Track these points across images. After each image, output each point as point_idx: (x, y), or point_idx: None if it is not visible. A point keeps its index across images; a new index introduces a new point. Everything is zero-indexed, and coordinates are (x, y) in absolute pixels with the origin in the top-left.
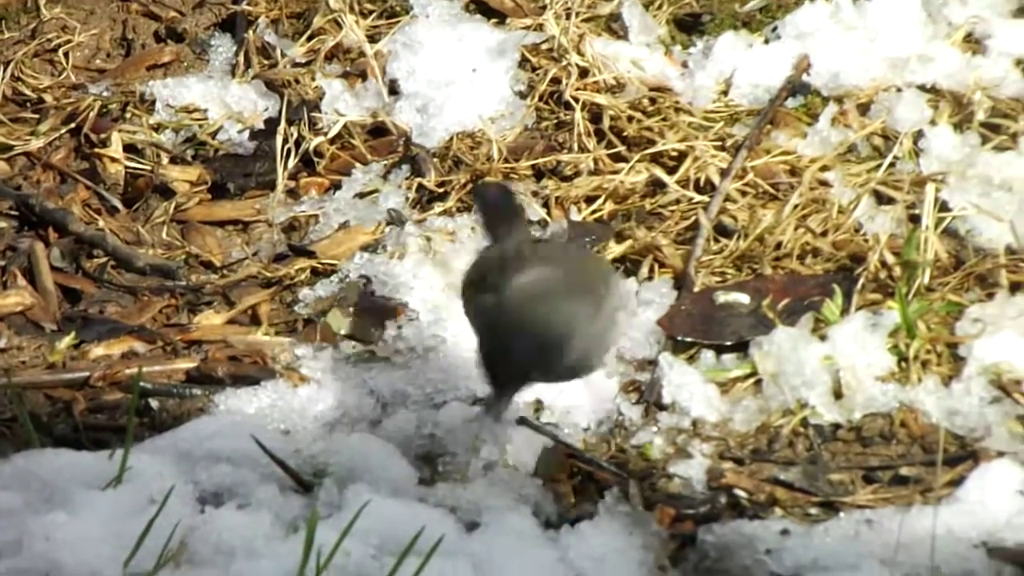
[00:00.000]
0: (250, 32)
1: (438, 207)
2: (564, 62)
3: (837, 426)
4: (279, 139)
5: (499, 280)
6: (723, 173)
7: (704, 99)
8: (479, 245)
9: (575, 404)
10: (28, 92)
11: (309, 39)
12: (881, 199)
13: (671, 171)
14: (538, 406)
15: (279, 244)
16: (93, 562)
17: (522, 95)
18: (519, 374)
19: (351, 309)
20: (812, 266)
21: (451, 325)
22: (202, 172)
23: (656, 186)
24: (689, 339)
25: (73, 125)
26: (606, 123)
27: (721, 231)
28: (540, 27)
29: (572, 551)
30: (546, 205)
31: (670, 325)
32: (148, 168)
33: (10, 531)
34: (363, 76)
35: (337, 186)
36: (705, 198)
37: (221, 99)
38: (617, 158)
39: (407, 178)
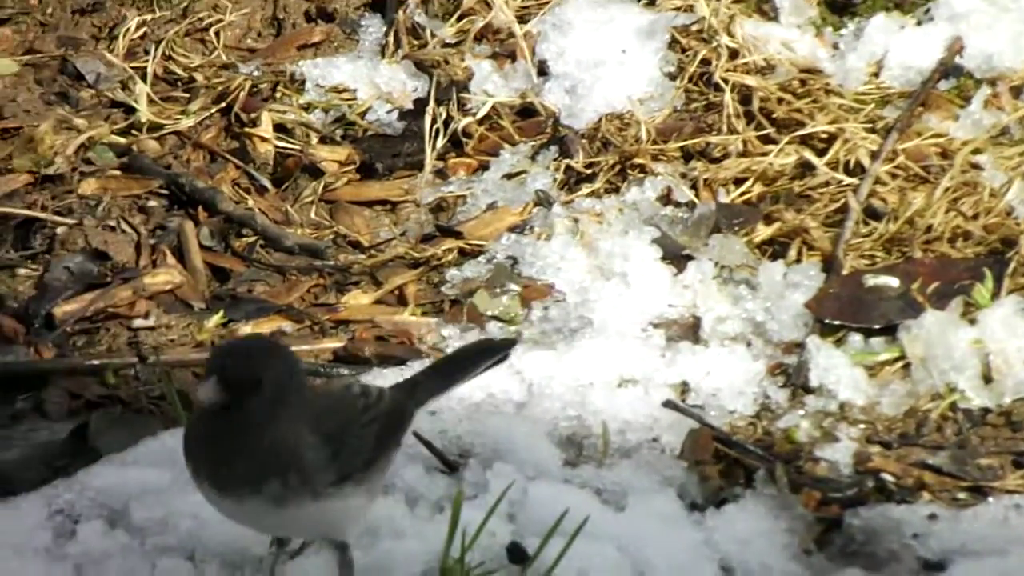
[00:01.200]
0: (400, 12)
1: (586, 188)
2: (714, 43)
3: (986, 410)
4: (428, 119)
5: None
6: (873, 155)
7: (855, 81)
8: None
9: (721, 386)
10: (179, 71)
11: (459, 19)
12: None
13: (820, 153)
14: (684, 388)
15: (427, 224)
16: (238, 540)
17: (671, 76)
18: None
19: (498, 290)
20: (963, 249)
21: (598, 307)
22: (351, 152)
23: (805, 168)
24: (837, 322)
25: (223, 105)
26: (755, 105)
27: (871, 214)
28: (690, 8)
29: (717, 533)
30: (694, 187)
31: (818, 308)
32: (297, 148)
33: (157, 509)
34: (512, 57)
35: (485, 167)
36: (855, 180)
37: (370, 79)
38: (766, 140)
39: (555, 159)
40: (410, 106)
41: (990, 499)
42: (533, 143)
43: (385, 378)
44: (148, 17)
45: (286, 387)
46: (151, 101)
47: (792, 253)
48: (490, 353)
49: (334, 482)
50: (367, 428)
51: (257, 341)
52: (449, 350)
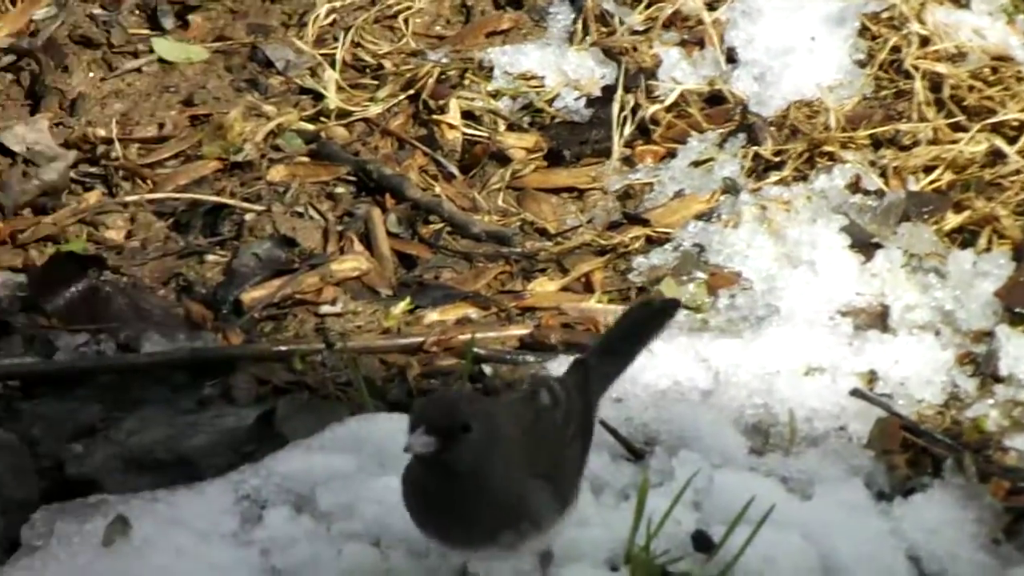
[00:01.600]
0: (589, 0)
1: (774, 176)
2: (905, 31)
3: None
4: (615, 107)
5: None
6: None
7: None
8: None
9: (909, 375)
10: (368, 58)
11: (647, 7)
12: None
13: (1011, 141)
14: (872, 377)
15: (613, 212)
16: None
17: (861, 64)
18: None
19: (684, 277)
20: None
21: (786, 295)
22: (538, 139)
23: (996, 156)
24: None
25: (411, 92)
26: (946, 92)
27: None
28: None
29: (904, 523)
30: (883, 175)
31: (1008, 297)
32: (485, 135)
33: (343, 494)
34: (701, 44)
35: (672, 154)
36: None
37: (558, 66)
38: (956, 128)
39: (743, 147)
40: (598, 93)
41: None
42: (721, 130)
43: None
44: (337, 4)
45: (495, 427)
46: (339, 88)
47: (982, 241)
48: (654, 320)
49: (559, 512)
50: (571, 448)
51: (456, 391)
52: None
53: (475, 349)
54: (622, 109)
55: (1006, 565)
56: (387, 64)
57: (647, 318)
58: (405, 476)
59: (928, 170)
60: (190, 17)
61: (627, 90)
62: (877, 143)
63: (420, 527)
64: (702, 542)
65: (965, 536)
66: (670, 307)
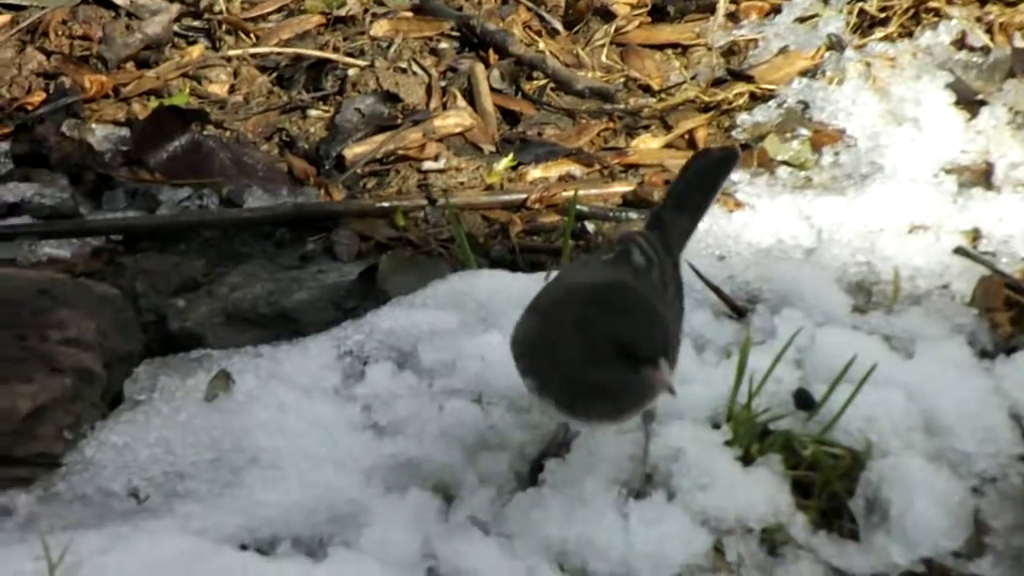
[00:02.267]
0: None
1: (879, 32)
2: None
3: None
4: None
5: None
6: None
7: None
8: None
9: (1014, 233)
10: None
11: None
12: None
13: None
14: (976, 235)
15: (718, 68)
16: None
17: None
18: None
19: (788, 135)
20: None
21: (890, 152)
22: None
23: None
24: None
25: None
26: None
27: None
28: None
29: (1007, 381)
30: (989, 31)
31: None
32: None
33: (445, 351)
34: None
35: (777, 10)
36: None
37: None
38: None
39: (848, 3)
40: None
41: None
42: None
43: None
44: None
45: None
46: None
47: None
48: (717, 169)
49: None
50: (673, 308)
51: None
52: (739, 195)
53: (577, 206)
54: None
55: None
56: None
57: (711, 168)
58: (523, 338)
59: None
60: None
61: None
62: None
63: (538, 390)
64: (804, 400)
65: None
66: (731, 155)
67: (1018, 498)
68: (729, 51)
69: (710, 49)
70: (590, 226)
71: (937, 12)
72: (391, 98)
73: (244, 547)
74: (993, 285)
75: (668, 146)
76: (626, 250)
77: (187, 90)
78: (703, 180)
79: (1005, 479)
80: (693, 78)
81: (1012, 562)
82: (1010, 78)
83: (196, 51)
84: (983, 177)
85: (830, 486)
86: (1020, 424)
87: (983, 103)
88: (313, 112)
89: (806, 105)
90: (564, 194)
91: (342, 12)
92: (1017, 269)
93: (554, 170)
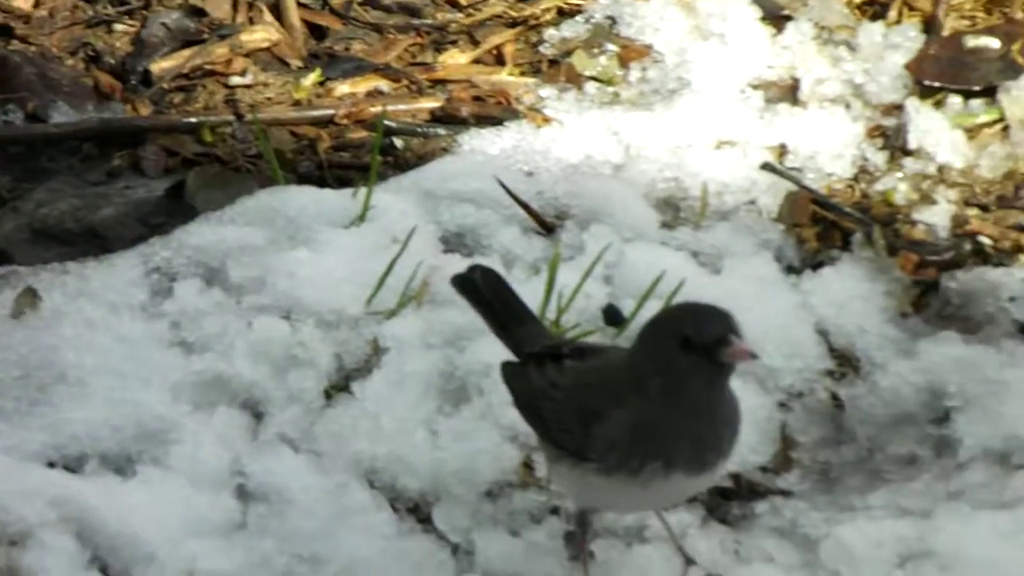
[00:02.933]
0: None
1: None
2: None
3: None
4: None
5: None
6: None
7: None
8: None
9: (819, 149)
10: None
11: None
12: None
13: None
14: (782, 150)
15: None
16: (335, 299)
17: None
18: None
19: (596, 50)
20: None
21: (697, 68)
22: None
23: None
24: (936, 84)
25: None
26: None
27: None
28: None
29: (814, 297)
30: None
31: (918, 70)
32: None
33: (254, 268)
34: None
35: None
36: None
37: None
38: None
39: None
40: None
41: None
42: None
43: (483, 138)
44: None
45: None
46: None
47: (892, 14)
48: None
49: None
50: None
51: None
52: (547, 111)
53: (386, 122)
54: None
55: (913, 338)
56: None
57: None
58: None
59: None
60: None
61: None
62: None
63: (665, 464)
64: (612, 316)
65: (874, 309)
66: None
67: (824, 413)
68: None
69: None
70: (398, 142)
71: None
72: (197, 12)
73: (52, 464)
74: (799, 200)
75: (476, 61)
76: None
77: None
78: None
79: (812, 394)
80: None
81: (819, 476)
82: None
83: None
84: (789, 92)
85: None
86: (826, 339)
87: (789, 18)
88: (119, 26)
89: (613, 20)
90: (372, 110)
91: None
92: (823, 184)
93: (362, 85)
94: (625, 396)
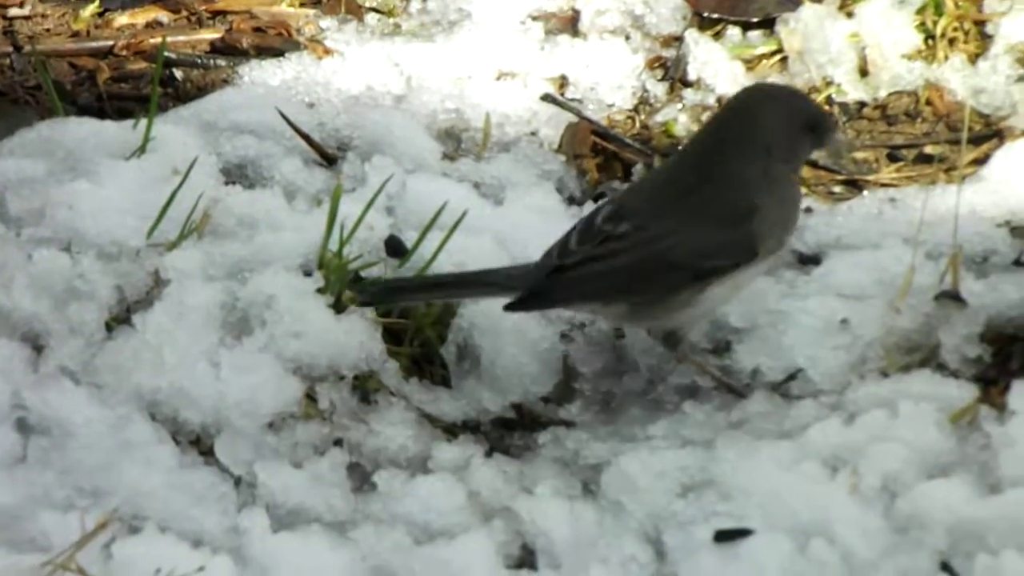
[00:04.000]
0: None
1: None
2: None
3: (862, 104)
4: None
5: None
6: None
7: None
8: None
9: (600, 80)
10: None
11: None
12: None
13: None
14: (563, 82)
15: None
16: (116, 231)
17: None
18: None
19: None
20: None
21: None
22: None
23: None
24: (715, 15)
25: None
26: None
27: None
28: None
29: None
30: None
31: (696, 2)
32: None
33: (33, 199)
34: None
35: None
36: None
37: None
38: None
39: None
40: None
41: (865, 193)
42: None
43: (263, 70)
44: None
45: None
46: None
47: None
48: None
49: None
50: None
51: None
52: (328, 42)
53: (165, 53)
54: None
55: None
56: None
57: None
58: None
59: None
60: None
61: None
62: None
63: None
64: (395, 247)
65: None
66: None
67: (606, 344)
68: None
69: None
70: (178, 73)
71: None
72: None
73: None
74: (580, 131)
75: None
76: None
77: None
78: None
79: (593, 324)
80: None
81: (600, 407)
82: None
83: None
84: (569, 24)
85: (421, 333)
86: None
87: None
88: None
89: None
90: (151, 41)
91: None
92: (604, 116)
93: (141, 17)
94: (752, 187)
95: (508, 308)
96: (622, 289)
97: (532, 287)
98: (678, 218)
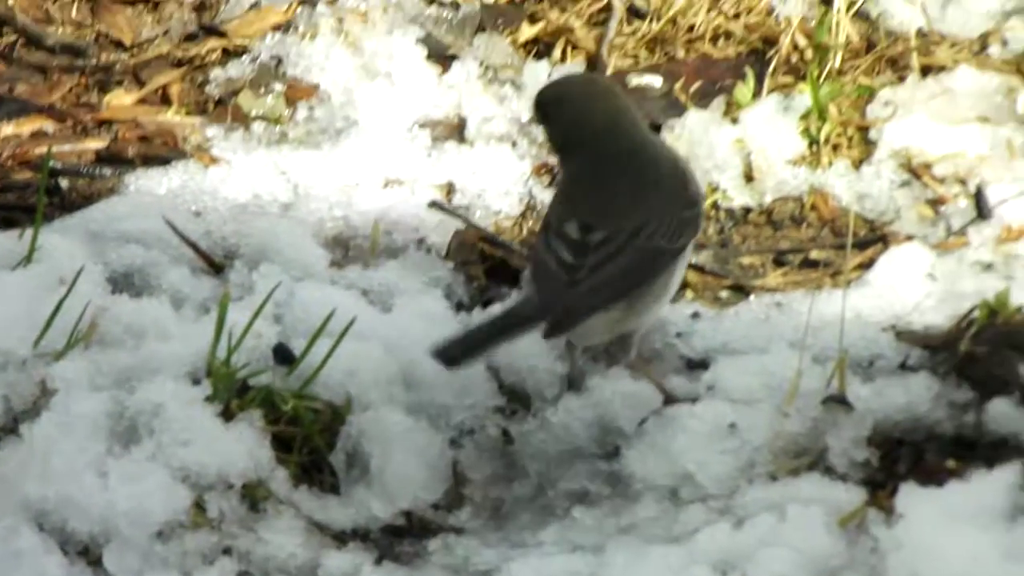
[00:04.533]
0: None
1: None
2: None
3: (748, 209)
4: None
5: None
6: None
7: None
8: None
9: (487, 187)
10: None
11: None
12: None
13: None
14: (450, 189)
15: (190, 23)
16: (2, 341)
17: None
18: None
19: (262, 90)
20: (724, 49)
21: (364, 107)
22: None
23: None
24: None
25: None
26: None
27: (634, 13)
28: None
29: None
30: None
31: None
32: None
33: None
34: None
35: None
36: None
37: None
38: None
39: None
40: None
41: (752, 297)
42: None
43: (150, 179)
44: None
45: None
46: None
47: (556, 53)
48: None
49: None
50: None
51: None
52: (215, 151)
53: (51, 162)
54: None
55: (582, 375)
56: None
57: None
58: None
59: None
60: None
61: None
62: None
63: None
64: (283, 355)
65: (543, 346)
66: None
67: (495, 449)
68: (201, 6)
69: (181, 4)
70: (64, 182)
71: None
72: None
73: None
74: (468, 238)
75: (141, 101)
76: None
77: None
78: None
79: (483, 431)
80: (165, 33)
81: (490, 513)
82: (480, 32)
83: None
84: (456, 131)
85: (311, 440)
86: (496, 376)
87: (455, 58)
88: None
89: (279, 60)
90: (37, 150)
91: None
92: (491, 222)
93: (26, 126)
94: (667, 158)
95: (549, 335)
96: (632, 285)
97: (560, 307)
98: (642, 209)
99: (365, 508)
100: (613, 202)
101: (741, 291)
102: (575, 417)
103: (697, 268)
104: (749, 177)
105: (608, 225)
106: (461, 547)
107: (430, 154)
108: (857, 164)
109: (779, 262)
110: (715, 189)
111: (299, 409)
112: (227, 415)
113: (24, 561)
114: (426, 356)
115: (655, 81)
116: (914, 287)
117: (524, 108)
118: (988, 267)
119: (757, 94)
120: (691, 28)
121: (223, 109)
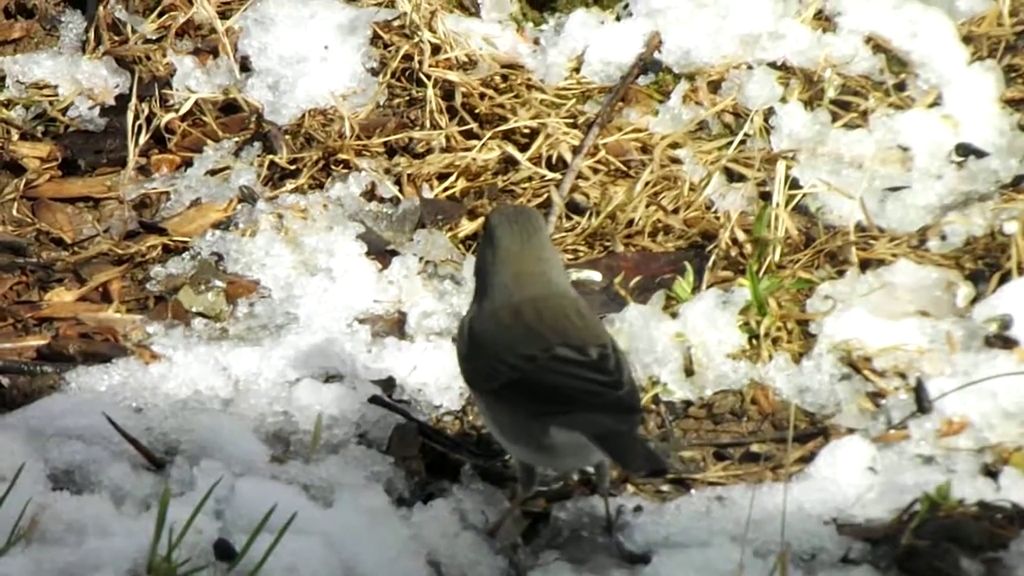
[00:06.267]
0: (101, 8)
1: (290, 184)
2: (416, 39)
3: (688, 403)
4: (130, 116)
5: None
6: (575, 150)
7: (556, 76)
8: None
9: (428, 381)
10: None
11: (160, 15)
12: (732, 176)
13: (523, 148)
14: (390, 384)
15: (130, 221)
16: None
17: (374, 72)
18: None
19: (202, 286)
20: (664, 243)
21: (304, 303)
22: (52, 148)
23: (508, 163)
24: None
25: None
26: (458, 100)
27: (573, 208)
28: (392, 3)
29: (424, 529)
30: (399, 183)
31: None
32: None
33: None
34: (215, 53)
35: (188, 163)
36: (557, 175)
37: (72, 75)
38: (469, 135)
39: (259, 155)
40: (112, 102)
41: (693, 491)
42: (237, 139)
43: (91, 375)
44: None
45: None
46: None
47: None
48: None
49: None
50: None
51: None
52: (155, 347)
53: None
54: (137, 118)
55: (524, 569)
56: None
57: None
58: None
59: (442, 177)
60: None
61: (141, 99)
62: (392, 151)
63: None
64: (224, 551)
65: (485, 541)
66: None
67: None
68: (142, 204)
69: (122, 202)
70: (4, 380)
71: (347, 164)
72: None
73: None
74: (408, 433)
75: (82, 299)
76: None
77: None
78: None
79: None
80: (106, 231)
81: None
82: (420, 228)
83: None
84: (396, 326)
85: None
86: (438, 571)
87: (394, 253)
88: None
89: (220, 257)
90: None
91: None
92: (431, 417)
93: None
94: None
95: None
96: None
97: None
98: (598, 328)
99: None
100: (580, 325)
101: (682, 484)
102: None
103: None
104: (689, 371)
105: (596, 344)
106: None
107: (370, 349)
108: (797, 358)
109: (720, 456)
110: (655, 383)
111: None
112: None
113: None
114: (366, 551)
115: (595, 276)
116: (855, 480)
117: (464, 303)
118: (929, 460)
119: (697, 288)
120: (630, 223)
121: (164, 306)
